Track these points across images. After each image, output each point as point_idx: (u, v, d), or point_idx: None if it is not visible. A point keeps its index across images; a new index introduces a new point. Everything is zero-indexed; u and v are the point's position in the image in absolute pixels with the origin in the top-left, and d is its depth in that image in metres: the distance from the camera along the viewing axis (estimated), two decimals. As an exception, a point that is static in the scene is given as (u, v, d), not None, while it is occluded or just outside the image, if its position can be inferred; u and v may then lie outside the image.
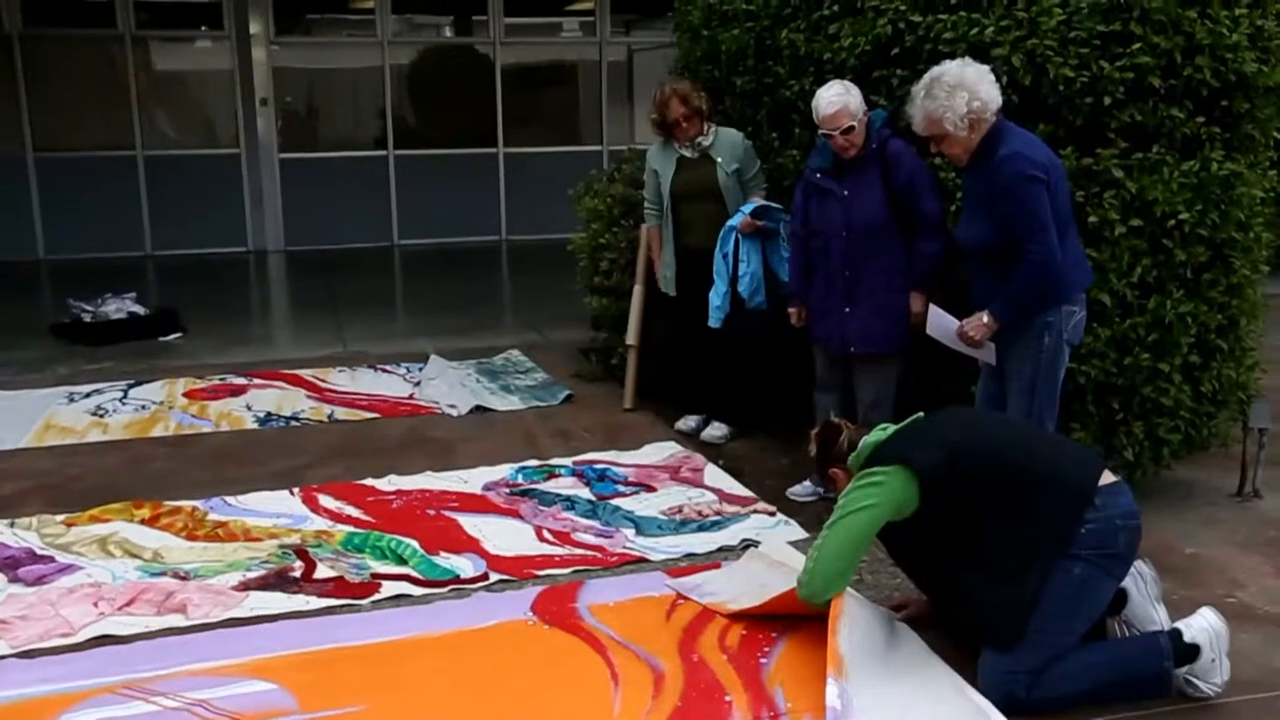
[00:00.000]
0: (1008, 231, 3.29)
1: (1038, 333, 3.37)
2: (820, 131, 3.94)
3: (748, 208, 4.59)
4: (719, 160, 4.71)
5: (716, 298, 4.66)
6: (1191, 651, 2.72)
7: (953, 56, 3.50)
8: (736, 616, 3.21)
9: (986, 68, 3.38)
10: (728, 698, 2.79)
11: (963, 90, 3.26)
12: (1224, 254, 3.80)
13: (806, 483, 4.25)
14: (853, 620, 2.88)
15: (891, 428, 2.99)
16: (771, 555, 3.55)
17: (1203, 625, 2.75)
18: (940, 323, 3.56)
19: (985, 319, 3.39)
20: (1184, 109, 3.69)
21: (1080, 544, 2.71)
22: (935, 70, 3.34)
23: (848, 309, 4.01)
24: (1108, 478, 2.81)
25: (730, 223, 4.61)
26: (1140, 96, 3.67)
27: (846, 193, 3.96)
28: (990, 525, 2.76)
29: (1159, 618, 2.88)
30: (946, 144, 3.36)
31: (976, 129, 3.31)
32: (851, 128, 3.86)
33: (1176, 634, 2.75)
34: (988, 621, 2.75)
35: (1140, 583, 2.90)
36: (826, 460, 3.11)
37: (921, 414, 3.02)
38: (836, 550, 2.85)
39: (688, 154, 4.78)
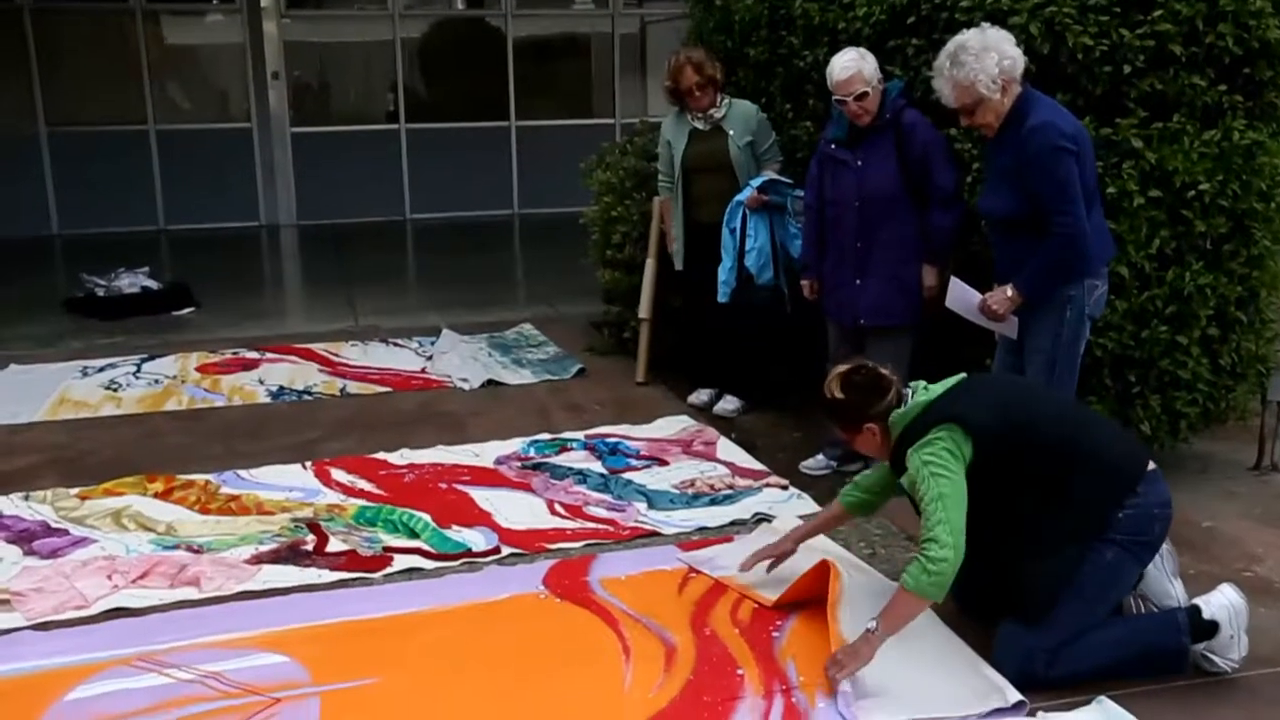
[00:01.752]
0: (1034, 203, 3.23)
1: (1060, 307, 3.32)
2: (834, 98, 3.89)
3: (756, 182, 4.55)
4: (731, 133, 4.66)
5: (723, 273, 4.63)
6: (1210, 628, 2.70)
7: (969, 25, 3.44)
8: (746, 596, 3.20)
9: (1004, 31, 3.33)
10: (740, 671, 2.78)
11: (991, 51, 3.19)
12: (1244, 225, 3.74)
13: (820, 456, 4.23)
14: (855, 602, 2.87)
15: (933, 389, 2.85)
16: (784, 529, 3.53)
17: (1222, 602, 2.72)
18: (961, 296, 3.51)
19: (1009, 293, 3.33)
20: (1205, 77, 3.63)
21: (1116, 529, 2.69)
22: (956, 40, 3.27)
23: (859, 281, 3.97)
24: (1148, 465, 2.78)
25: (738, 198, 4.57)
26: (1161, 64, 3.60)
27: (860, 163, 3.92)
28: (1036, 497, 2.71)
29: (1175, 592, 2.86)
30: (980, 112, 3.27)
31: (1008, 91, 3.24)
32: (865, 94, 3.82)
33: (1195, 610, 2.73)
34: (1023, 596, 2.71)
35: (1157, 557, 2.87)
36: (864, 411, 2.83)
37: (964, 375, 2.90)
38: (959, 527, 2.62)
39: (700, 126, 4.73)
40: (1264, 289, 3.90)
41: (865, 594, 2.95)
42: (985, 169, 3.54)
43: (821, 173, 4.08)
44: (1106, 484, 2.71)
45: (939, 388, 2.84)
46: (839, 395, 2.85)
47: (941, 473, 2.64)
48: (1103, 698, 2.59)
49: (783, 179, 4.57)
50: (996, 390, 2.89)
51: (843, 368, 2.90)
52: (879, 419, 2.84)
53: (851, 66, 3.81)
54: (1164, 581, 2.86)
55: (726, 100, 4.73)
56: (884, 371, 2.88)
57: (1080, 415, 2.95)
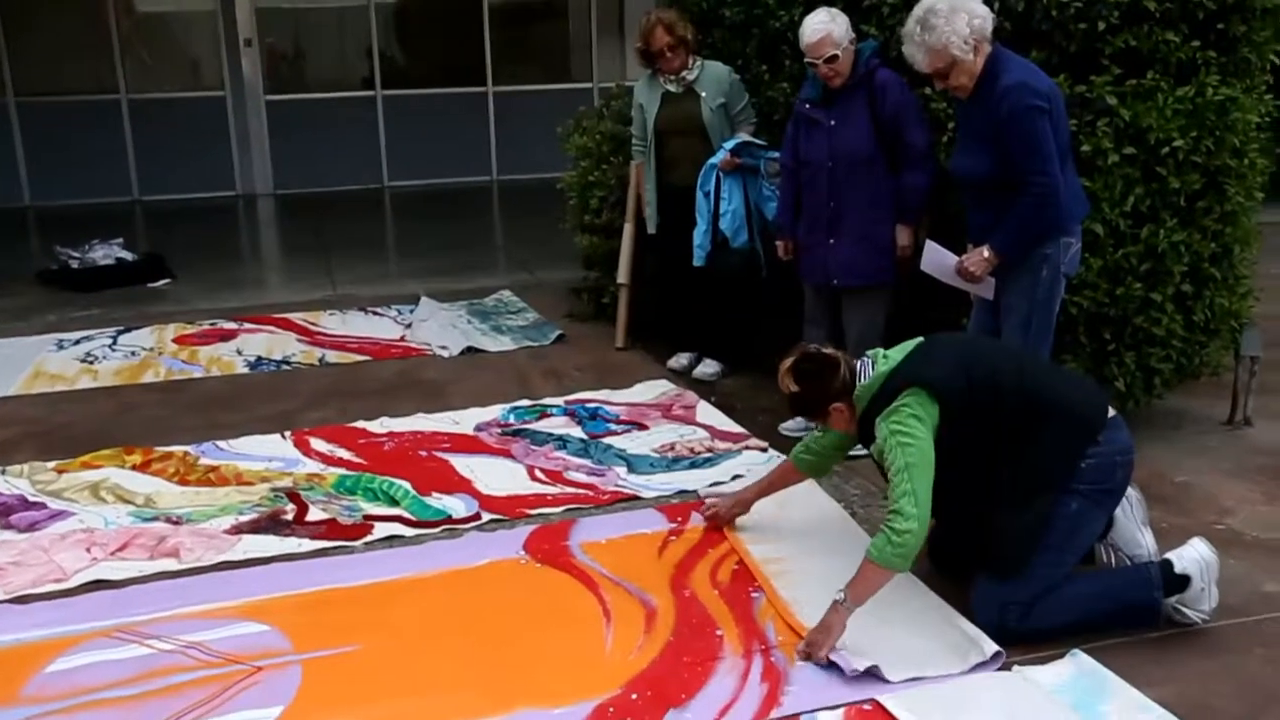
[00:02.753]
0: (1008, 163, 3.22)
1: (1035, 266, 3.32)
2: (805, 60, 3.87)
3: (729, 144, 4.53)
4: (703, 95, 4.64)
5: (698, 237, 4.62)
6: (1182, 582, 2.73)
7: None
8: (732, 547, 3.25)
9: None
10: (719, 632, 2.81)
11: (960, 12, 3.17)
12: (1218, 181, 3.75)
13: (799, 418, 4.24)
14: (806, 579, 2.97)
15: (891, 355, 2.86)
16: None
17: (1194, 556, 2.76)
18: (937, 258, 3.51)
19: (986, 254, 3.33)
20: (1179, 33, 3.63)
21: (1080, 478, 2.72)
22: (923, 4, 3.23)
23: (832, 241, 3.97)
24: (1108, 412, 2.81)
25: (711, 160, 4.55)
26: (1135, 20, 3.60)
27: (833, 123, 3.90)
28: (1003, 452, 2.73)
29: (1145, 542, 2.90)
30: (954, 74, 3.25)
31: (980, 51, 3.23)
32: (835, 56, 3.79)
33: (1167, 565, 2.76)
34: (995, 550, 2.74)
35: (1126, 506, 2.90)
36: (824, 395, 2.89)
37: (921, 338, 2.92)
38: (924, 498, 2.62)
39: (672, 88, 4.70)
40: (1237, 245, 3.92)
41: (823, 566, 3.04)
42: (958, 130, 3.53)
43: (796, 133, 4.06)
44: (1070, 434, 2.73)
45: (898, 354, 2.85)
46: (794, 388, 2.90)
47: (908, 441, 2.65)
48: (1077, 651, 2.63)
49: (756, 141, 4.55)
50: (955, 349, 2.89)
51: (788, 361, 2.93)
52: (841, 397, 2.87)
53: (821, 29, 3.79)
54: (1134, 530, 2.90)
55: (699, 62, 4.69)
56: (827, 351, 2.92)
57: (1039, 367, 2.98)
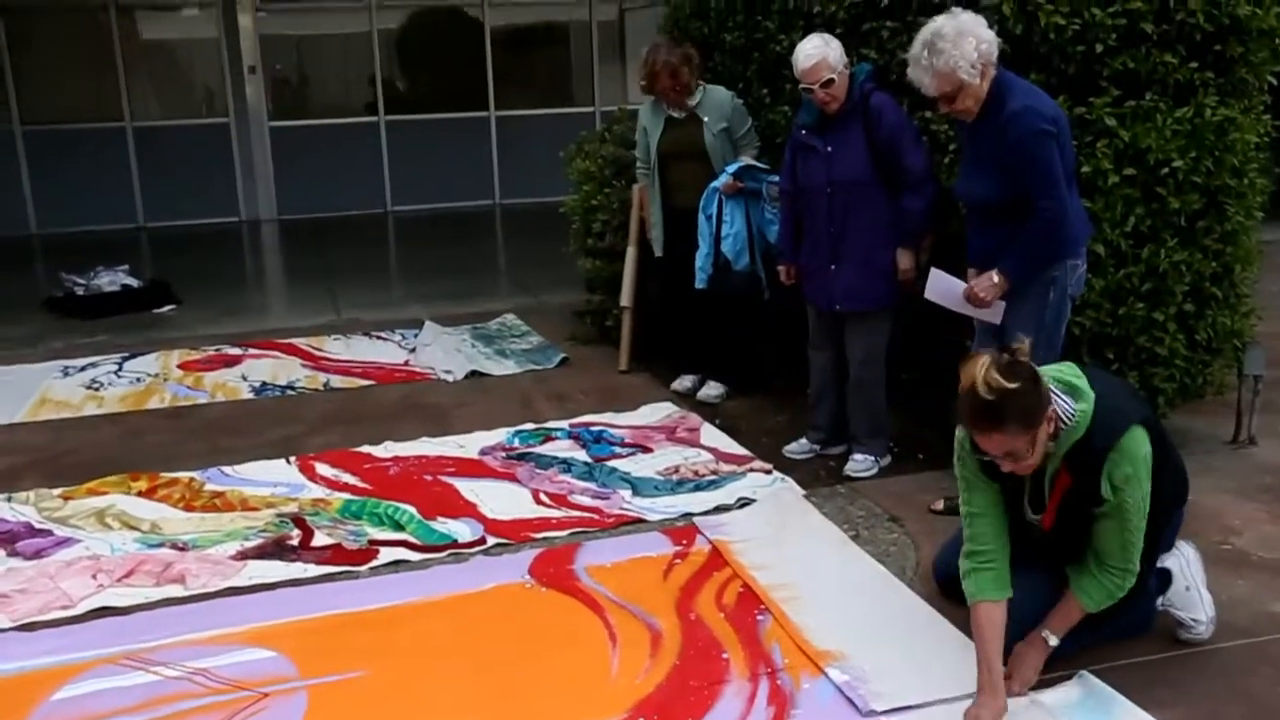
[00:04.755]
0: (1016, 187, 3.22)
1: (1042, 288, 3.31)
2: (801, 86, 3.89)
3: (731, 168, 4.55)
4: (706, 120, 4.66)
5: (700, 259, 4.63)
6: (1164, 577, 2.77)
7: (944, 7, 3.45)
8: (736, 575, 3.24)
9: (976, 14, 3.33)
10: (725, 655, 2.80)
11: (968, 36, 3.17)
12: (1218, 201, 3.76)
13: (803, 440, 4.25)
14: (817, 605, 2.99)
15: (1062, 377, 2.54)
16: (794, 492, 3.78)
17: (1175, 554, 2.81)
18: (943, 286, 3.47)
19: (995, 279, 3.30)
20: (1177, 55, 3.65)
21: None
22: (929, 28, 3.24)
23: (834, 266, 3.97)
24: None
25: (713, 184, 4.58)
26: (1132, 43, 3.62)
27: (829, 149, 3.91)
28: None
29: (1204, 601, 2.81)
30: (961, 98, 3.24)
31: (986, 75, 3.23)
32: (831, 81, 3.80)
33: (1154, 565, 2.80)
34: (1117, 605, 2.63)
35: (1183, 562, 2.84)
36: (1042, 401, 2.38)
37: (1073, 364, 2.64)
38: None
39: (675, 113, 4.73)
40: (1238, 264, 3.93)
41: (834, 585, 3.07)
42: (963, 153, 3.54)
43: (794, 159, 4.07)
44: (1180, 493, 2.77)
45: (1068, 374, 2.55)
46: (1011, 385, 2.31)
47: (1145, 497, 2.52)
48: (1084, 672, 2.62)
49: (758, 164, 4.57)
50: (1124, 383, 2.86)
51: (985, 356, 2.36)
52: (1049, 404, 2.43)
53: (815, 54, 3.79)
54: (1194, 593, 2.86)
55: (701, 87, 4.72)
56: (1010, 351, 2.43)
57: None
